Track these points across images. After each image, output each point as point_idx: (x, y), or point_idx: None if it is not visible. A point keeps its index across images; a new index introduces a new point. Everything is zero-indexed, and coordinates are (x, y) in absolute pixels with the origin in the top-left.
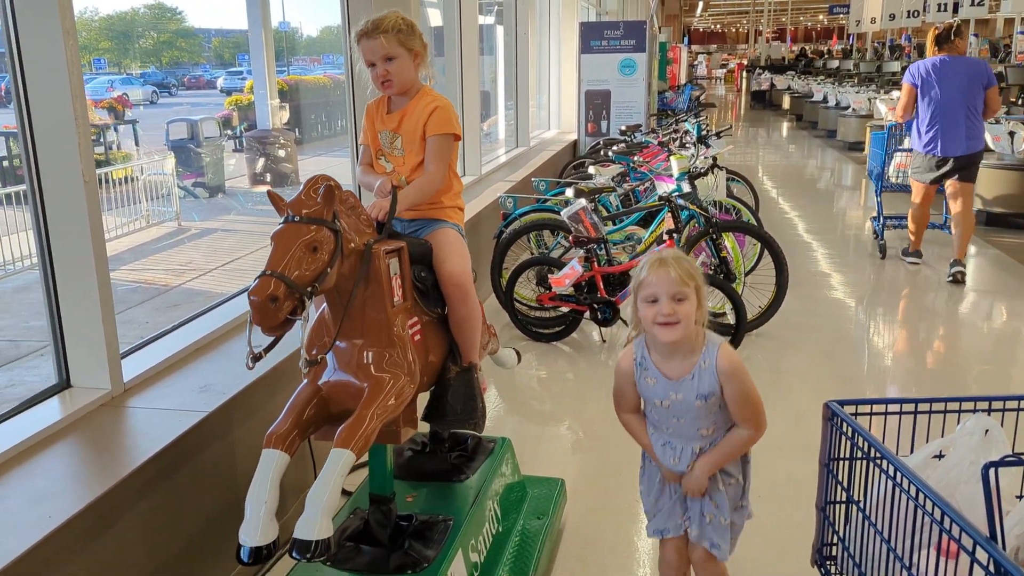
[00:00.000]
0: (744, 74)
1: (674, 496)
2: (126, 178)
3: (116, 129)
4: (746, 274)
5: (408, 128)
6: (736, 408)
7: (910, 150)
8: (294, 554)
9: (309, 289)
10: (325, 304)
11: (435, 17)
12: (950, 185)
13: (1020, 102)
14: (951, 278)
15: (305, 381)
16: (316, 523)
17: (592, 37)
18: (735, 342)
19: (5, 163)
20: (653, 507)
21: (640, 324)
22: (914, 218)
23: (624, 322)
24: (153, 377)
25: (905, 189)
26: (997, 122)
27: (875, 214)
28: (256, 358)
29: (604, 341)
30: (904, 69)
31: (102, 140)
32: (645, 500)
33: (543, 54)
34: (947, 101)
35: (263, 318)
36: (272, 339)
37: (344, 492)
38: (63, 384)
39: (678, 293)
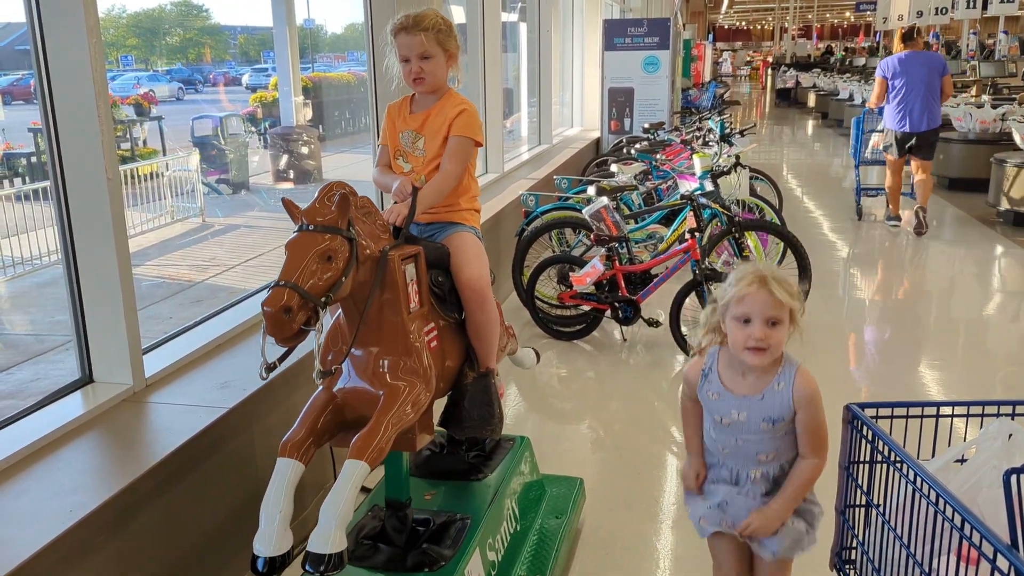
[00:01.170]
0: (769, 71)
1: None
2: (151, 174)
3: (142, 125)
4: None
5: (432, 128)
6: (806, 437)
7: (882, 130)
8: (307, 567)
9: (323, 299)
10: (340, 310)
11: (459, 14)
12: (913, 163)
13: None
14: (916, 222)
15: (320, 388)
16: (330, 536)
17: (616, 34)
18: None
19: (33, 159)
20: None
21: (716, 334)
22: (890, 187)
23: (645, 321)
24: (174, 373)
25: (877, 163)
26: None
27: (854, 186)
28: (270, 368)
29: (625, 340)
30: None
31: (128, 136)
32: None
33: (566, 51)
34: (912, 87)
35: (277, 329)
36: (286, 349)
37: (362, 489)
38: (86, 379)
39: (773, 317)
